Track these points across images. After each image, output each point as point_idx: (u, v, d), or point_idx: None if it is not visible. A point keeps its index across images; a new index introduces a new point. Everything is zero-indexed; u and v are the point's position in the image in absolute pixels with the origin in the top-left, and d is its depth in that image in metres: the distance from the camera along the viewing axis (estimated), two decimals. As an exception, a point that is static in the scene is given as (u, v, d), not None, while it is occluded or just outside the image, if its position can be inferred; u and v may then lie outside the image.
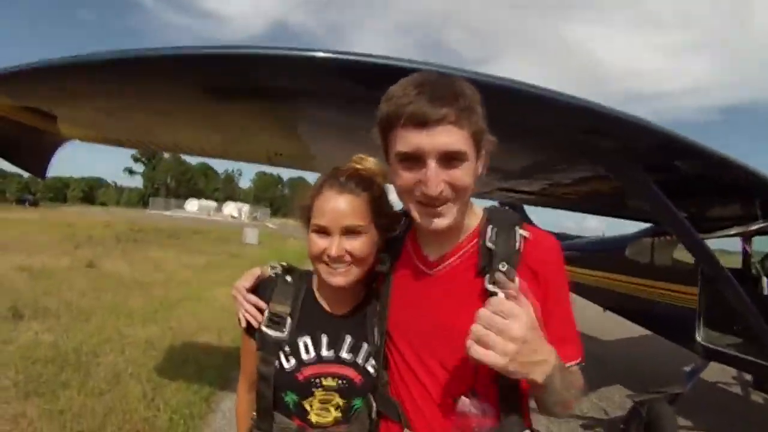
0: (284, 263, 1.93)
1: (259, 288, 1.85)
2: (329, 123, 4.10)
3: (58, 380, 6.23)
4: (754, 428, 7.10)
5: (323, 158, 5.34)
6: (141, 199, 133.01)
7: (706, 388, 8.59)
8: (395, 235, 1.78)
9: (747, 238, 6.74)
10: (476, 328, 1.25)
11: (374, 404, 1.76)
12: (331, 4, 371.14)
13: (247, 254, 25.51)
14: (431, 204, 1.47)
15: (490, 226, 1.59)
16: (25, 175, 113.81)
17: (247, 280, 1.86)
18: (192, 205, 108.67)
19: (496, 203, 4.10)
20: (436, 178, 1.42)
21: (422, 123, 1.38)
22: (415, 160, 1.44)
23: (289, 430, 1.76)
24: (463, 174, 1.45)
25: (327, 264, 1.69)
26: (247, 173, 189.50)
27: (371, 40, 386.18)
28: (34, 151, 5.21)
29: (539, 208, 9.65)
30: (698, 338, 6.40)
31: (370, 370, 1.75)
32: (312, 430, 1.75)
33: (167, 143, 5.85)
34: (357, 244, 1.67)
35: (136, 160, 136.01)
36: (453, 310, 1.55)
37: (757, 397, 8.48)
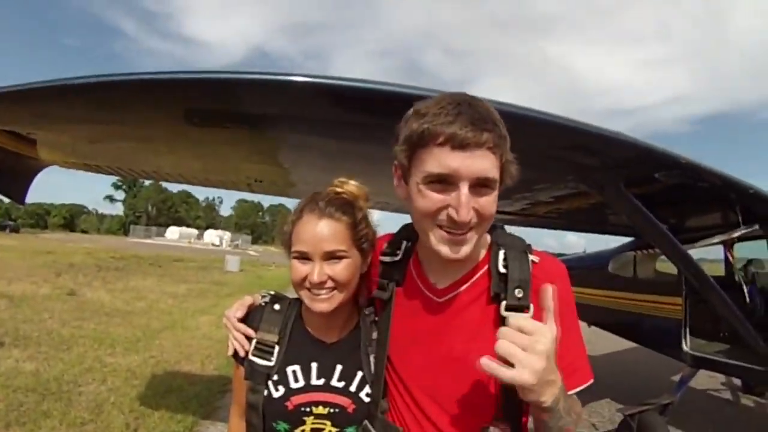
0: (273, 291, 1.90)
1: (249, 316, 1.81)
2: (309, 147, 4.13)
3: (39, 409, 6.14)
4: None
5: (303, 184, 5.40)
6: (122, 227, 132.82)
7: (697, 395, 8.64)
8: (396, 260, 1.70)
9: (730, 245, 6.86)
10: (502, 345, 1.18)
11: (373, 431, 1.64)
12: (310, 30, 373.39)
13: (229, 281, 25.44)
14: (456, 230, 1.39)
15: (501, 251, 1.53)
16: (6, 200, 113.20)
17: (238, 308, 1.83)
18: (173, 233, 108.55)
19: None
20: (467, 204, 1.34)
21: (463, 145, 1.30)
22: (446, 182, 1.36)
23: None
24: (491, 202, 1.40)
25: (309, 290, 1.65)
26: (227, 201, 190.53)
27: (350, 65, 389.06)
28: (13, 176, 5.15)
29: (519, 228, 9.82)
30: (685, 347, 6.48)
31: (364, 398, 1.69)
32: None
33: (148, 170, 5.81)
34: (339, 269, 1.63)
35: (116, 187, 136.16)
36: (465, 339, 1.49)
37: (747, 401, 8.59)
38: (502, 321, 1.38)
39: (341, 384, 1.70)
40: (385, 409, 1.65)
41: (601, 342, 11.30)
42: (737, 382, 8.97)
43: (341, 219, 1.67)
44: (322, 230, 1.63)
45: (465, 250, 1.41)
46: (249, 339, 1.76)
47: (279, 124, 3.64)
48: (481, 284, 1.53)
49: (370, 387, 1.69)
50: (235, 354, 1.78)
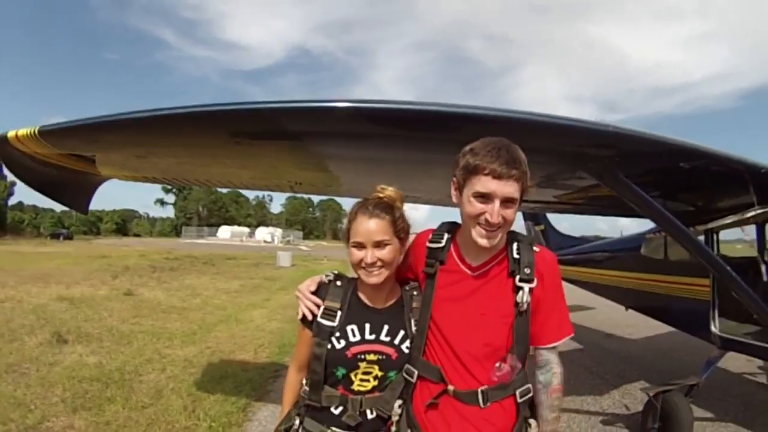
0: (336, 271, 2.58)
1: (318, 290, 2.48)
2: (342, 157, 4.82)
3: (103, 396, 6.62)
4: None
5: (339, 184, 6.05)
6: (173, 229, 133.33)
7: (733, 379, 8.70)
8: (441, 246, 2.40)
9: (760, 225, 6.90)
10: None
11: (415, 371, 2.34)
12: (349, 26, 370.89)
13: (281, 276, 25.94)
14: (490, 228, 2.14)
15: (515, 244, 2.30)
16: (58, 209, 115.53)
17: (310, 284, 2.51)
18: (225, 232, 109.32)
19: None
20: (497, 214, 2.10)
21: (499, 177, 2.07)
22: (486, 198, 2.11)
23: (334, 397, 2.38)
24: (512, 213, 2.17)
25: (364, 269, 2.33)
26: (277, 198, 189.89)
27: (392, 59, 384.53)
28: (76, 190, 5.75)
29: (561, 215, 10.16)
30: (713, 329, 6.55)
31: (405, 349, 2.40)
32: (353, 396, 2.37)
33: (199, 180, 6.33)
34: (384, 253, 2.32)
35: (166, 191, 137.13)
36: (491, 300, 2.27)
37: None
38: (516, 289, 2.22)
39: (387, 338, 2.40)
40: (423, 353, 2.36)
41: (644, 325, 11.54)
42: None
43: (385, 218, 2.35)
44: (372, 226, 2.32)
45: (494, 241, 2.19)
46: (318, 306, 2.42)
47: (312, 139, 4.21)
48: (502, 264, 2.30)
49: (416, 335, 2.38)
50: (303, 318, 2.45)
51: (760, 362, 8.88)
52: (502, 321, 2.24)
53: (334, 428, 2.39)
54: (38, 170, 4.88)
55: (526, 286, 2.21)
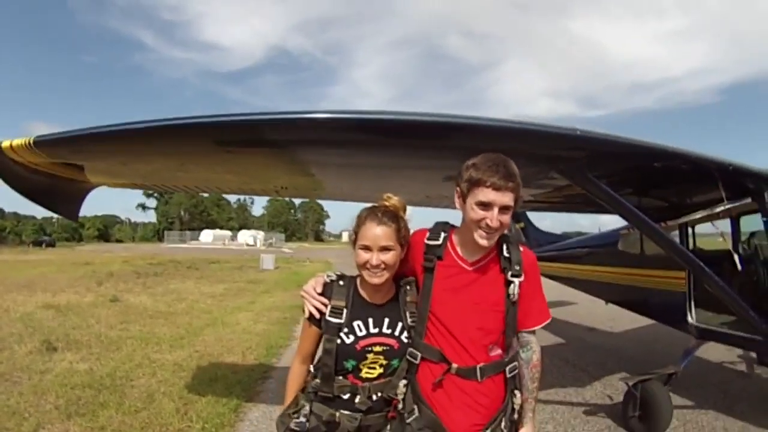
0: (338, 272, 2.81)
1: (323, 290, 2.70)
2: (327, 163, 5.05)
3: (96, 402, 6.71)
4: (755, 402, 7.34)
5: (324, 188, 6.36)
6: (156, 234, 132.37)
7: (712, 367, 8.96)
8: (437, 244, 2.70)
9: (734, 219, 7.11)
10: None
11: (418, 353, 2.64)
12: (327, 26, 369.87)
13: (265, 279, 25.98)
14: (489, 231, 2.48)
15: (505, 245, 2.65)
16: (39, 216, 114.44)
17: (316, 285, 2.73)
18: (207, 236, 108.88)
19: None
20: (496, 219, 2.44)
21: (498, 189, 2.42)
22: (486, 206, 2.44)
23: (345, 386, 2.64)
24: (508, 218, 2.50)
25: (369, 270, 2.57)
26: (259, 201, 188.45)
27: (371, 57, 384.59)
28: (66, 198, 5.87)
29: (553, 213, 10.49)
30: (690, 320, 6.78)
31: (404, 339, 2.68)
32: (362, 384, 2.65)
33: (185, 185, 6.48)
34: (388, 257, 2.57)
35: (148, 195, 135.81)
36: (484, 291, 2.62)
37: (762, 372, 8.67)
38: (507, 283, 2.60)
39: (389, 330, 2.68)
40: (424, 337, 2.66)
41: (624, 320, 11.81)
42: (754, 355, 9.10)
43: (391, 226, 2.60)
44: (379, 232, 2.57)
45: (492, 242, 2.54)
46: (325, 305, 2.65)
47: (307, 148, 4.46)
48: (494, 260, 2.66)
49: (417, 322, 2.67)
50: (310, 316, 2.68)
51: (740, 351, 9.14)
52: (493, 309, 2.61)
53: (342, 411, 2.65)
54: (30, 179, 5.00)
55: (516, 280, 2.60)
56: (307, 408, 2.70)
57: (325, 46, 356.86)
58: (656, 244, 5.95)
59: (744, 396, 7.59)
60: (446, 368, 2.59)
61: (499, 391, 2.66)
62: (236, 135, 4.11)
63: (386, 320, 2.69)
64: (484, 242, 2.51)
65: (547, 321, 2.84)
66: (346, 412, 2.65)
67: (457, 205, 2.65)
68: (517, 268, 2.62)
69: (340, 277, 2.78)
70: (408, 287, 2.77)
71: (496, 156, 2.54)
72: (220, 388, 7.42)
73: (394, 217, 2.65)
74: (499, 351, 2.64)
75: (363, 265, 2.60)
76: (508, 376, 2.67)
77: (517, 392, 2.70)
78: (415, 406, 2.66)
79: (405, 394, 2.68)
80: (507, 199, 2.45)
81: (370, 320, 2.67)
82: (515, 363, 2.71)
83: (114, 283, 21.60)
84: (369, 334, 2.65)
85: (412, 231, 2.77)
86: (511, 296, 2.60)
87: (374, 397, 2.67)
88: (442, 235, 2.73)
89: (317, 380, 2.70)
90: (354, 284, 2.76)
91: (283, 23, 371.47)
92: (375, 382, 2.68)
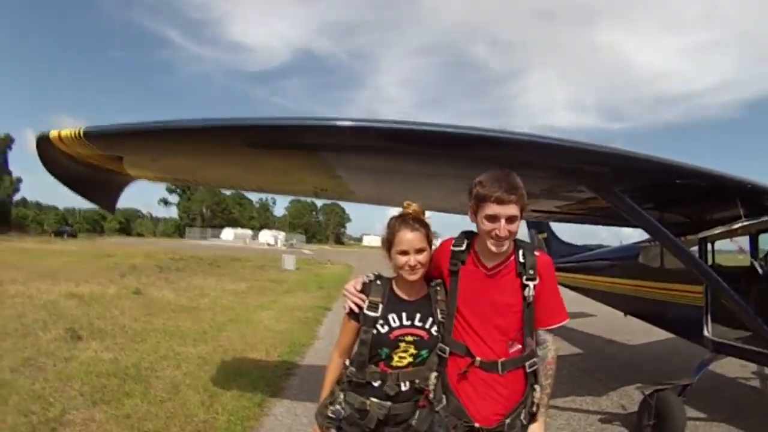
0: (376, 272, 3.13)
1: (363, 289, 3.05)
2: (360, 167, 5.26)
3: (121, 390, 6.89)
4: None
5: (360, 192, 6.58)
6: (177, 229, 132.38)
7: (727, 382, 8.98)
8: (461, 250, 2.99)
9: (754, 235, 7.21)
10: None
11: (447, 348, 2.95)
12: (354, 30, 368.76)
13: (286, 279, 26.05)
14: (499, 240, 2.74)
15: (521, 251, 2.90)
16: (61, 206, 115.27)
17: (356, 284, 3.08)
18: (228, 234, 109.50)
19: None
20: (504, 229, 2.70)
21: (501, 202, 2.68)
22: (494, 219, 2.70)
23: (376, 373, 2.96)
24: (516, 226, 2.75)
25: (407, 270, 2.92)
26: (281, 201, 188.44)
27: (396, 63, 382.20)
28: (104, 189, 6.08)
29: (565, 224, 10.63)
30: (706, 333, 6.85)
31: (434, 332, 3.00)
32: (392, 371, 2.97)
33: (218, 181, 6.68)
34: (422, 257, 2.93)
35: (170, 191, 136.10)
36: (502, 293, 2.88)
37: None
38: (523, 286, 2.84)
39: (420, 324, 2.99)
40: (451, 333, 2.96)
41: (641, 331, 11.71)
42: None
43: (421, 230, 2.95)
44: (413, 237, 2.92)
45: (503, 248, 2.80)
46: (363, 301, 2.99)
47: (332, 152, 4.68)
48: (511, 266, 2.90)
49: (438, 326, 3.00)
50: (350, 312, 3.03)
51: (754, 367, 9.25)
52: (510, 310, 2.87)
53: (373, 398, 2.97)
54: (73, 169, 5.19)
55: (531, 284, 2.84)
56: (342, 397, 3.03)
57: (351, 51, 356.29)
58: (676, 258, 6.11)
59: (757, 410, 7.67)
60: (470, 361, 2.88)
61: (519, 384, 2.92)
62: (270, 137, 4.36)
63: (418, 315, 3.00)
64: (496, 249, 2.79)
65: (565, 321, 3.05)
66: (376, 400, 2.96)
67: (471, 219, 2.93)
68: (531, 272, 2.86)
69: (378, 277, 3.10)
70: (438, 288, 3.09)
71: (500, 172, 2.79)
72: (244, 382, 7.56)
73: (422, 222, 3.01)
74: (518, 347, 2.90)
75: (402, 267, 2.93)
76: (528, 370, 2.92)
77: (537, 387, 2.94)
78: (444, 396, 2.95)
79: (435, 385, 2.97)
80: (511, 210, 2.70)
81: (404, 314, 2.98)
82: (534, 359, 2.94)
83: (137, 276, 21.82)
84: (402, 326, 2.96)
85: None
86: (527, 298, 2.85)
87: (402, 386, 2.98)
88: (466, 242, 3.01)
89: (352, 368, 3.01)
90: (390, 284, 3.08)
91: (310, 26, 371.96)
92: (403, 370, 2.98)
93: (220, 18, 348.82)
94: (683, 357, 9.94)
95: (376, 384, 2.97)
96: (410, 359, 2.99)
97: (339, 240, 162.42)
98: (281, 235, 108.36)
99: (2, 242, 47.63)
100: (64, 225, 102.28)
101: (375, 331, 2.94)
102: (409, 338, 2.96)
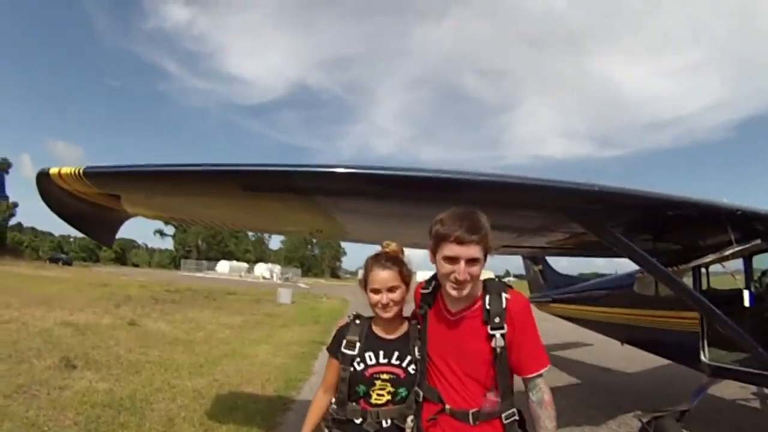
0: (355, 313, 3.21)
1: (342, 328, 3.15)
2: (355, 210, 5.38)
3: (116, 422, 6.80)
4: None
5: (356, 232, 6.77)
6: (172, 261, 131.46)
7: (726, 404, 8.99)
8: (429, 292, 2.96)
9: (747, 258, 7.23)
10: None
11: (421, 392, 2.90)
12: (348, 64, 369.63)
13: (282, 313, 25.74)
14: (459, 284, 2.61)
15: (487, 295, 2.74)
16: (57, 233, 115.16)
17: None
18: (223, 267, 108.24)
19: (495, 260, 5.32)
20: (464, 272, 2.57)
21: (461, 242, 2.55)
22: (453, 260, 2.58)
23: (356, 411, 2.98)
24: (477, 269, 2.62)
25: (380, 308, 2.96)
26: (276, 235, 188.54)
27: (389, 96, 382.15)
28: (103, 225, 6.17)
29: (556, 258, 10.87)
30: (703, 358, 6.88)
31: (411, 370, 2.98)
32: (371, 409, 2.97)
33: (215, 222, 6.76)
34: (395, 295, 2.96)
35: (166, 222, 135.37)
36: (467, 341, 2.75)
37: None
38: (489, 336, 2.67)
39: (397, 362, 2.99)
40: (425, 377, 2.90)
41: (638, 359, 11.74)
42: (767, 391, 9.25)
43: (394, 268, 2.99)
44: (386, 276, 2.96)
45: (463, 293, 2.64)
46: (341, 340, 3.07)
47: (328, 197, 4.80)
48: (477, 311, 2.76)
49: (416, 365, 2.98)
50: (329, 349, 3.15)
51: (753, 388, 9.30)
52: (478, 358, 2.73)
53: None
54: (72, 205, 5.25)
55: (497, 333, 2.67)
56: None
57: (345, 84, 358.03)
58: (668, 288, 6.18)
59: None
60: (441, 408, 2.81)
61: None
62: (264, 181, 4.47)
63: (396, 353, 3.01)
64: (454, 293, 2.66)
65: (545, 368, 2.79)
66: None
67: (430, 260, 2.82)
68: (497, 320, 2.68)
69: (356, 316, 3.19)
70: (419, 326, 3.06)
71: (462, 210, 2.69)
72: (240, 416, 7.50)
73: (396, 261, 3.06)
74: (495, 398, 2.73)
75: (375, 305, 2.98)
76: (506, 422, 2.73)
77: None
78: None
79: (412, 429, 2.93)
80: (472, 251, 2.57)
81: (381, 352, 3.01)
82: (513, 410, 2.76)
83: (132, 307, 21.65)
84: (378, 363, 2.99)
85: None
86: (495, 348, 2.67)
87: (384, 423, 2.98)
88: (433, 283, 2.96)
89: (334, 405, 3.07)
90: (369, 323, 3.14)
91: (304, 60, 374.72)
92: (383, 408, 2.99)
93: (217, 51, 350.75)
94: (680, 384, 9.92)
95: (357, 421, 2.99)
96: (389, 397, 2.99)
97: (335, 274, 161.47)
98: (277, 268, 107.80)
99: (-3, 267, 47.36)
100: (59, 252, 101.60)
101: (352, 369, 2.99)
102: (385, 376, 2.98)
